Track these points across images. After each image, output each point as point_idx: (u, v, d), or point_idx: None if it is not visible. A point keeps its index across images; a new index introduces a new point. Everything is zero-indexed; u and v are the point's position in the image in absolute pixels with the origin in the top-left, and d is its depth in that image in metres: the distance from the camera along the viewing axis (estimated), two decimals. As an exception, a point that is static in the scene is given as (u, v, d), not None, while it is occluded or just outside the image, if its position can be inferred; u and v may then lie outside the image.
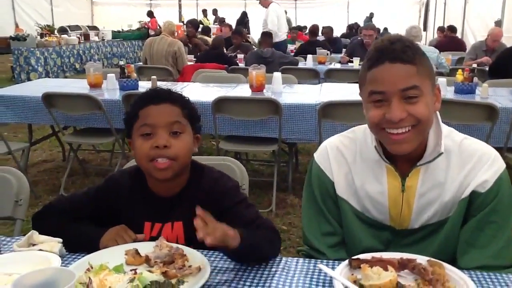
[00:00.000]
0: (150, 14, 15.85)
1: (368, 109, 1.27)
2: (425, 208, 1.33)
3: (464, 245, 1.32)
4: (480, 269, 1.25)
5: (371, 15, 17.03)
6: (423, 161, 1.30)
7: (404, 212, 1.35)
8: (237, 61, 6.57)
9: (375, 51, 1.24)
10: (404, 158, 1.31)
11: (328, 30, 9.99)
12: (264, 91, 4.07)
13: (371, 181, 1.36)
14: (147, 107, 1.37)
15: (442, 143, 1.28)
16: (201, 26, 10.52)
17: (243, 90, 4.22)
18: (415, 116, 1.21)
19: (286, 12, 16.58)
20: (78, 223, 1.44)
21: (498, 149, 3.71)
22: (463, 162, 1.30)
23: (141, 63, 6.59)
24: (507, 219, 1.30)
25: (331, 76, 5.75)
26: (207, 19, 14.95)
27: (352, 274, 1.18)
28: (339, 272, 1.17)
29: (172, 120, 1.37)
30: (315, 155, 1.46)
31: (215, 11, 16.53)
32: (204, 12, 15.02)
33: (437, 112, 1.32)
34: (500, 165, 1.30)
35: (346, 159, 1.40)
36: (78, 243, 1.37)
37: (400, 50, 1.21)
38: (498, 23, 8.81)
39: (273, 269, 1.26)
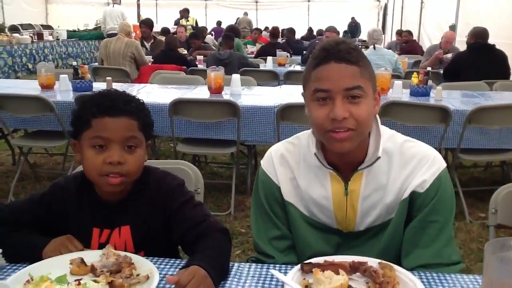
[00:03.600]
0: (108, 13, 15.44)
1: (311, 108, 1.28)
2: (369, 210, 1.35)
3: (407, 245, 1.34)
4: (422, 267, 1.28)
5: (353, 19, 17.37)
6: (364, 165, 1.32)
7: (349, 215, 1.37)
8: (197, 63, 6.52)
9: (322, 51, 1.26)
10: (346, 163, 1.33)
11: (288, 32, 10.06)
12: (223, 93, 4.04)
13: (315, 186, 1.37)
14: (103, 119, 1.30)
15: (380, 148, 1.30)
16: (155, 26, 10.24)
17: (201, 92, 4.18)
18: (356, 118, 1.23)
19: (246, 14, 16.68)
20: (20, 232, 1.36)
21: (451, 150, 3.85)
22: (404, 164, 1.33)
23: (97, 63, 6.44)
24: (448, 218, 1.33)
25: (291, 78, 5.78)
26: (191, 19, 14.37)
27: (304, 279, 1.17)
28: (291, 277, 1.16)
29: (128, 135, 1.32)
30: (262, 162, 1.46)
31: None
32: (185, 12, 14.42)
33: (377, 117, 1.35)
34: (439, 165, 1.32)
35: (290, 165, 1.41)
36: (20, 253, 1.30)
37: (345, 51, 1.24)
38: (452, 28, 9.10)
39: (225, 275, 1.23)
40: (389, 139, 1.34)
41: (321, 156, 1.34)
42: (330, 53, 1.24)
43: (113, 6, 11.22)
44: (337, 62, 1.23)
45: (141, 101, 1.41)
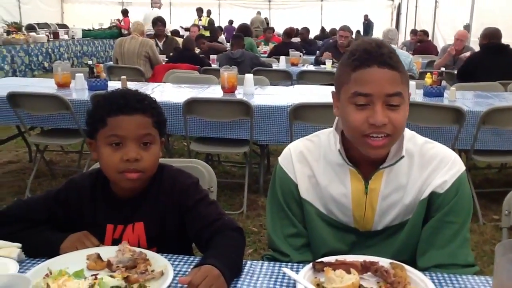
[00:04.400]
0: (125, 12, 15.52)
1: (348, 111, 1.25)
2: (388, 210, 1.35)
3: (423, 245, 1.34)
4: (437, 267, 1.28)
5: (365, 17, 17.26)
6: (386, 164, 1.32)
7: (367, 214, 1.37)
8: (210, 62, 6.55)
9: (364, 53, 1.23)
10: (367, 162, 1.33)
11: (304, 32, 10.04)
12: (236, 92, 4.06)
13: (335, 183, 1.37)
14: (117, 117, 1.33)
15: (404, 147, 1.31)
16: (170, 26, 10.33)
17: (214, 91, 4.20)
18: (395, 124, 1.22)
19: (259, 13, 16.66)
20: (38, 228, 1.39)
21: (465, 151, 3.82)
22: (424, 165, 1.33)
23: (111, 62, 6.50)
24: (465, 220, 1.33)
25: (304, 78, 5.78)
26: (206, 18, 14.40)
27: (316, 277, 1.18)
28: (303, 276, 1.17)
29: (143, 132, 1.35)
30: (279, 158, 1.46)
31: (209, 12, 16.19)
32: (199, 11, 14.46)
33: None
34: (459, 167, 1.33)
35: (309, 162, 1.41)
36: (38, 249, 1.33)
37: (387, 55, 1.22)
38: (467, 28, 9.02)
39: (238, 273, 1.25)
40: (409, 140, 1.34)
41: (343, 154, 1.34)
42: (373, 56, 1.21)
43: (153, 9, 11.98)
44: (379, 66, 1.21)
45: (154, 99, 1.44)
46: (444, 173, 1.31)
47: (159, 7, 12.41)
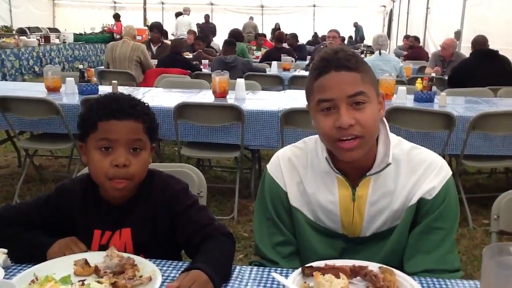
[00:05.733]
0: (117, 16, 15.52)
1: (317, 119, 1.29)
2: (376, 216, 1.36)
3: (410, 250, 1.35)
4: (425, 273, 1.28)
5: (355, 24, 17.38)
6: (373, 171, 1.33)
7: (355, 220, 1.37)
8: (201, 67, 6.55)
9: (321, 61, 1.28)
10: (354, 168, 1.34)
11: (290, 37, 10.06)
12: (228, 97, 4.06)
13: (322, 191, 1.37)
14: (109, 121, 1.32)
15: (390, 154, 1.31)
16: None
17: (206, 96, 4.20)
18: (362, 124, 1.23)
19: (252, 18, 16.69)
20: (26, 233, 1.38)
21: (455, 156, 3.83)
22: (411, 171, 1.33)
23: (103, 67, 6.48)
24: (452, 225, 1.34)
25: (295, 83, 5.79)
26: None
27: (305, 282, 1.18)
28: (292, 280, 1.17)
29: (134, 137, 1.34)
30: (268, 166, 1.46)
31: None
32: (180, 15, 14.64)
33: (386, 123, 1.35)
34: (446, 172, 1.33)
35: (298, 170, 1.41)
36: (26, 254, 1.31)
37: (344, 58, 1.25)
38: (458, 34, 9.11)
39: (226, 278, 1.24)
40: (396, 145, 1.35)
41: (330, 162, 1.34)
42: (329, 62, 1.25)
43: (183, 16, 13.24)
44: (337, 70, 1.24)
45: (146, 104, 1.43)
46: (432, 179, 1.31)
47: (188, 14, 13.56)
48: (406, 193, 1.32)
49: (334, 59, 1.25)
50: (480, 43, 5.44)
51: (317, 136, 1.38)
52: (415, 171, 1.33)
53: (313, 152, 1.40)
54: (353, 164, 1.32)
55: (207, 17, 15.98)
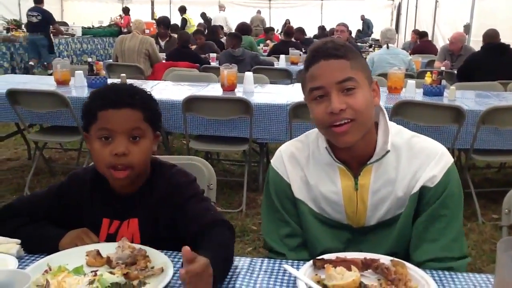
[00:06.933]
0: (126, 10, 15.52)
1: (311, 108, 1.33)
2: (379, 204, 1.37)
3: (416, 239, 1.35)
4: (432, 261, 1.30)
5: (362, 17, 17.27)
6: (373, 160, 1.34)
7: (359, 210, 1.38)
8: (209, 60, 6.54)
9: (312, 52, 1.32)
10: (355, 158, 1.36)
11: (297, 31, 10.02)
12: (236, 90, 4.05)
13: (325, 182, 1.39)
14: (107, 111, 1.33)
15: (389, 141, 1.33)
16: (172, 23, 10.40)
17: (214, 90, 4.20)
18: (354, 107, 1.26)
19: (259, 12, 16.64)
20: (38, 224, 1.40)
21: (464, 150, 3.81)
22: (412, 159, 1.34)
23: (111, 60, 6.50)
24: (457, 212, 1.34)
25: (303, 76, 5.77)
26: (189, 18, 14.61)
27: (316, 274, 1.18)
28: (303, 272, 1.17)
29: (132, 126, 1.34)
30: (272, 161, 1.49)
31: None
32: (183, 10, 14.63)
33: (385, 112, 1.37)
34: (447, 160, 1.34)
35: (300, 163, 1.43)
36: (38, 245, 1.33)
37: (332, 48, 1.29)
38: (467, 28, 9.03)
39: (238, 270, 1.25)
40: (396, 134, 1.36)
41: (331, 152, 1.36)
42: (319, 52, 1.29)
43: (220, 12, 14.39)
44: (325, 59, 1.28)
45: (148, 92, 1.44)
46: (433, 167, 1.32)
47: (224, 10, 14.77)
48: (408, 181, 1.33)
49: (323, 49, 1.29)
50: (491, 36, 5.39)
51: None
52: (416, 159, 1.34)
53: (314, 144, 1.42)
54: (353, 153, 1.34)
55: (222, 7, 16.07)
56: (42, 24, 9.75)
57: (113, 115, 1.33)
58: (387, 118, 1.36)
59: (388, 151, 1.33)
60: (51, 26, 10.06)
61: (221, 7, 14.37)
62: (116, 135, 1.33)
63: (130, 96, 1.36)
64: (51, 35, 10.18)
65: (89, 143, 1.40)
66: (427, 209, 1.33)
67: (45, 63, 10.10)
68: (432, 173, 1.31)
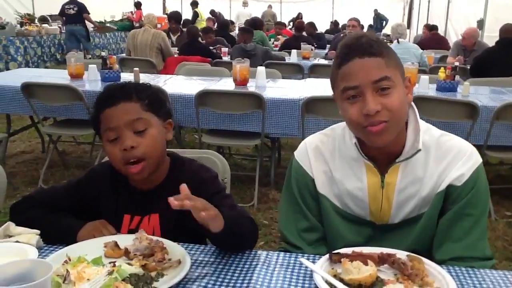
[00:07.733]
0: (138, 5, 15.57)
1: (344, 108, 1.27)
2: (405, 203, 1.35)
3: (440, 237, 1.34)
4: (455, 260, 1.28)
5: (375, 11, 17.15)
6: (402, 158, 1.32)
7: (384, 207, 1.36)
8: (221, 55, 6.54)
9: (344, 49, 1.26)
10: (383, 155, 1.33)
11: (308, 26, 9.97)
12: (248, 85, 4.06)
13: (350, 177, 1.37)
14: (105, 111, 1.36)
15: (420, 140, 1.30)
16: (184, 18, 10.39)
17: (226, 84, 4.20)
18: (389, 109, 1.22)
19: (270, 7, 16.58)
20: (57, 215, 1.42)
21: (478, 146, 3.79)
22: (440, 157, 1.32)
23: (124, 54, 6.52)
24: (483, 212, 1.33)
25: (315, 71, 5.76)
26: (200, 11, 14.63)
27: (333, 268, 1.19)
28: (320, 266, 1.17)
29: (132, 118, 1.35)
30: (295, 153, 1.47)
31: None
32: (195, 3, 14.60)
33: (415, 109, 1.34)
34: (476, 159, 1.32)
35: (325, 157, 1.41)
36: (56, 235, 1.35)
37: (366, 44, 1.23)
38: (480, 23, 8.92)
39: (254, 263, 1.25)
40: (425, 132, 1.33)
41: (359, 147, 1.34)
42: (352, 49, 1.23)
43: (244, 8, 15.09)
44: (360, 57, 1.22)
45: (145, 84, 1.46)
46: (461, 166, 1.30)
47: (247, 6, 15.46)
48: (435, 180, 1.31)
49: (356, 46, 1.23)
50: (508, 31, 5.30)
51: (344, 122, 1.37)
52: (444, 158, 1.32)
53: (341, 138, 1.39)
54: (382, 150, 1.30)
55: (245, 3, 16.30)
56: (79, 15, 10.25)
57: (111, 113, 1.36)
58: (418, 116, 1.33)
59: (419, 150, 1.30)
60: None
61: (245, 3, 14.59)
62: (120, 132, 1.35)
63: (120, 90, 1.39)
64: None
65: (103, 148, 1.43)
66: (453, 207, 1.31)
67: (86, 51, 10.49)
68: (460, 172, 1.29)
